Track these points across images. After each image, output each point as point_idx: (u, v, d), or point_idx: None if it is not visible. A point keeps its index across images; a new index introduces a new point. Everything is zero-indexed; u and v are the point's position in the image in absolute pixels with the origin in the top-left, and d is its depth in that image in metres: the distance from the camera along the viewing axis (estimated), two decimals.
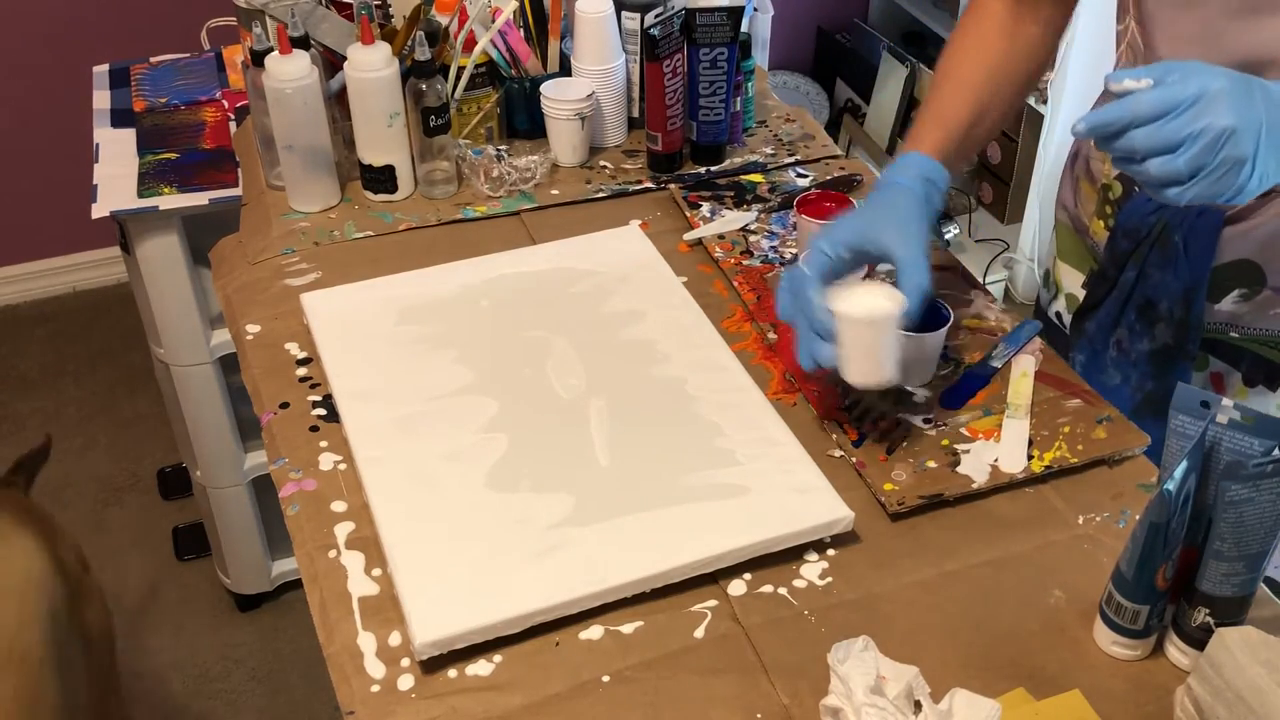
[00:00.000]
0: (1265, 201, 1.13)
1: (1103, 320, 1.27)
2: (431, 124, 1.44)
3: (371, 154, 1.45)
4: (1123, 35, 1.22)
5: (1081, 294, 1.36)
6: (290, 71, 1.36)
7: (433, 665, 0.96)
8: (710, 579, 1.03)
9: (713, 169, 1.54)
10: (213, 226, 1.65)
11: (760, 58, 2.78)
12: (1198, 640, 0.93)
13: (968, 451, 1.13)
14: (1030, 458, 1.13)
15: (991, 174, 2.99)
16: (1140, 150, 0.91)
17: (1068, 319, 1.40)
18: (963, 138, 1.19)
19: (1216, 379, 1.27)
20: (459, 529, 1.04)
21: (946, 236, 3.00)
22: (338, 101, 1.47)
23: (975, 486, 1.10)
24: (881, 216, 1.11)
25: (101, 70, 2.11)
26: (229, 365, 1.99)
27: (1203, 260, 1.18)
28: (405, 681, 0.95)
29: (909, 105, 3.03)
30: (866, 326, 1.06)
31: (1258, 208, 1.14)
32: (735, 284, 1.35)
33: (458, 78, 1.50)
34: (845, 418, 1.17)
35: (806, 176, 1.54)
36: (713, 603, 1.01)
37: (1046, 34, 1.24)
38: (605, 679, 0.95)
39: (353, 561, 1.04)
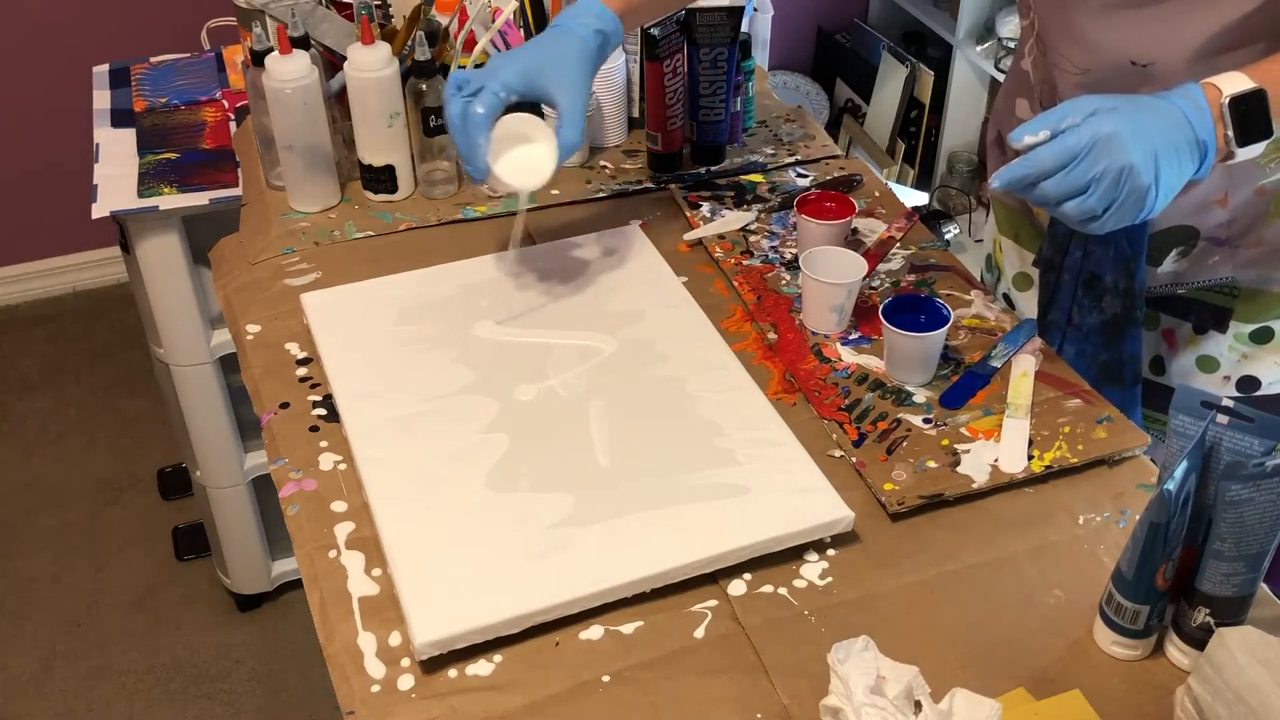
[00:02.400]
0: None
1: (1064, 305, 1.30)
2: (431, 124, 1.44)
3: (371, 154, 1.45)
4: (1029, 30, 1.28)
5: (1032, 272, 1.39)
6: (290, 71, 1.36)
7: (433, 665, 0.96)
8: (710, 579, 1.03)
9: (713, 169, 1.54)
10: (213, 226, 1.65)
11: (760, 58, 2.78)
12: (1198, 640, 0.93)
13: (968, 451, 1.13)
14: (1030, 458, 1.13)
15: None
16: (1053, 198, 0.99)
17: (1017, 298, 1.43)
18: (645, 3, 1.25)
19: (1168, 334, 1.32)
20: (459, 529, 1.04)
21: (947, 236, 3.00)
22: (338, 101, 1.47)
23: (975, 486, 1.10)
24: (552, 61, 1.16)
25: (101, 70, 2.11)
26: (229, 365, 1.99)
27: (1138, 232, 1.22)
28: (405, 681, 0.95)
29: (909, 105, 3.03)
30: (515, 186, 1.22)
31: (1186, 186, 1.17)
32: (735, 284, 1.35)
33: None
34: (845, 417, 1.17)
35: (806, 176, 1.54)
36: (713, 603, 1.01)
37: None
38: (605, 679, 0.95)
39: (353, 561, 1.04)
